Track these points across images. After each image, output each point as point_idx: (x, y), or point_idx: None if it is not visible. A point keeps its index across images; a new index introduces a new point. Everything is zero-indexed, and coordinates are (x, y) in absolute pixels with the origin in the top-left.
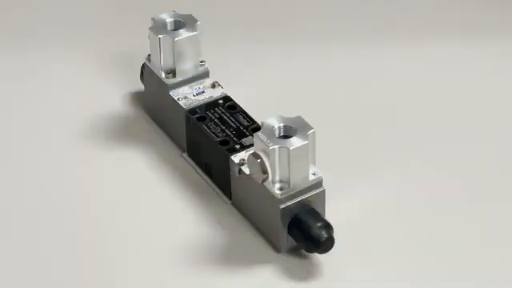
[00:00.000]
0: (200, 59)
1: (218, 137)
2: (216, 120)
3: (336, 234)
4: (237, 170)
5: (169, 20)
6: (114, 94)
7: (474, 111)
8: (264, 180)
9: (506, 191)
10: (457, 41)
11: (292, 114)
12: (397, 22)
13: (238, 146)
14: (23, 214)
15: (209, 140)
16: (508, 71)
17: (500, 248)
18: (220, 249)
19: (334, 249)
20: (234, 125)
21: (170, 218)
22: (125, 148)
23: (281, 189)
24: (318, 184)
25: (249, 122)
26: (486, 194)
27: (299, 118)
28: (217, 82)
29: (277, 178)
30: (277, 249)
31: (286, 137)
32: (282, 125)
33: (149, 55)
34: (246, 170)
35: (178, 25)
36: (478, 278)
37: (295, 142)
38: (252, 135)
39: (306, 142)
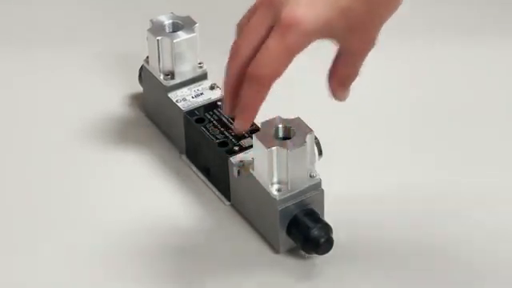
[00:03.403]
0: (198, 61)
1: (216, 138)
2: (215, 122)
3: (335, 235)
4: (236, 171)
5: (167, 22)
6: (113, 95)
7: (473, 111)
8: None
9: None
10: (457, 41)
11: (291, 115)
12: (398, 21)
13: (236, 148)
14: (22, 214)
15: (208, 142)
16: (508, 71)
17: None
18: (219, 249)
19: (332, 250)
20: (232, 126)
21: (169, 220)
22: (123, 150)
23: (279, 190)
24: (317, 185)
25: None
26: (487, 195)
27: (297, 119)
28: (215, 84)
29: (275, 179)
30: (275, 250)
31: (285, 138)
32: (280, 126)
33: (147, 57)
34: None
35: (177, 27)
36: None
37: (293, 143)
38: (251, 137)
39: (305, 143)
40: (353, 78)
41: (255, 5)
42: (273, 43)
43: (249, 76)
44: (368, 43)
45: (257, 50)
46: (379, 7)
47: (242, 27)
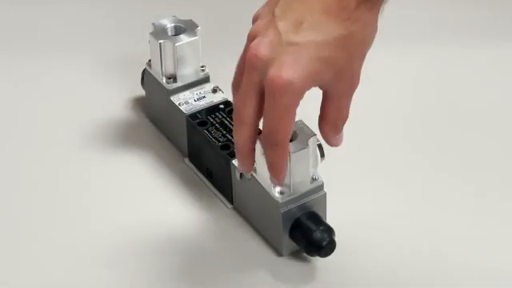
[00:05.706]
0: (200, 64)
1: (219, 141)
2: (217, 125)
3: (337, 238)
4: (238, 174)
5: (169, 25)
6: (116, 99)
7: (473, 111)
8: None
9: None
10: (457, 41)
11: None
12: (397, 22)
13: None
14: (24, 218)
15: (210, 145)
16: (508, 72)
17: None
18: (221, 252)
19: (335, 252)
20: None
21: (172, 223)
22: (126, 153)
23: (281, 193)
24: (319, 188)
25: None
26: (487, 197)
27: (300, 122)
28: (217, 87)
29: None
30: (278, 252)
31: None
32: None
33: (149, 60)
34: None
35: (179, 30)
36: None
37: (296, 146)
38: None
39: (307, 146)
40: (344, 120)
41: (240, 63)
42: (271, 111)
43: (267, 144)
44: (354, 83)
45: (258, 112)
46: (357, 48)
47: (236, 88)
